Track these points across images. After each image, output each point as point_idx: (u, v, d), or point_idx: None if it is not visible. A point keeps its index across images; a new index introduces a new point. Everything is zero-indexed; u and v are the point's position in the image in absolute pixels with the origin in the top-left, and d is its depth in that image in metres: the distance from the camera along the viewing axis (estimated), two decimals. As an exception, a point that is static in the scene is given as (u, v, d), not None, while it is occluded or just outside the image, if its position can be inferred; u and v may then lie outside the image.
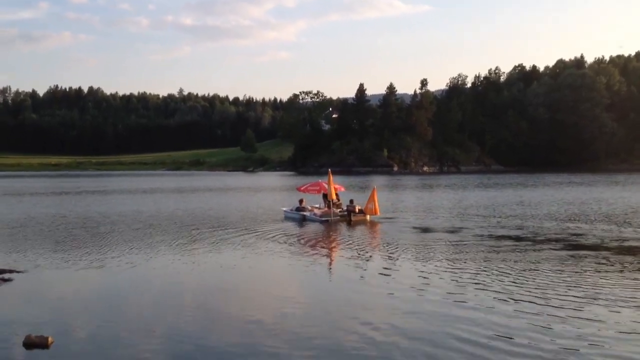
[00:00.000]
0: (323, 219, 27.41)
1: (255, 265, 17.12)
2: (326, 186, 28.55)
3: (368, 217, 27.62)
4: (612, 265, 15.99)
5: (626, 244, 20.04)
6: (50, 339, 9.70)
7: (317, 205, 29.58)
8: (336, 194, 29.01)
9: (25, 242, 21.76)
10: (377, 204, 27.54)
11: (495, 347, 9.34)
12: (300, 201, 29.64)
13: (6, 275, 15.16)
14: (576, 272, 15.15)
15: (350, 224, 26.76)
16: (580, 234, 22.35)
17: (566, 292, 12.90)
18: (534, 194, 47.52)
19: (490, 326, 10.41)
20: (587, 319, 10.83)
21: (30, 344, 9.60)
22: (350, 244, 21.07)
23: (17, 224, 27.94)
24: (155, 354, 9.31)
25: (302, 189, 31.31)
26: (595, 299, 12.28)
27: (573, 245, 19.77)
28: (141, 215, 31.94)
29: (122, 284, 14.81)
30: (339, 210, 28.31)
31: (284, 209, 30.88)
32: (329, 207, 27.85)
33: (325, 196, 28.98)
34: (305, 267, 16.87)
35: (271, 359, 9.07)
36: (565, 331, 10.10)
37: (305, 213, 28.42)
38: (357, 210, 27.92)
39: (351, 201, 28.74)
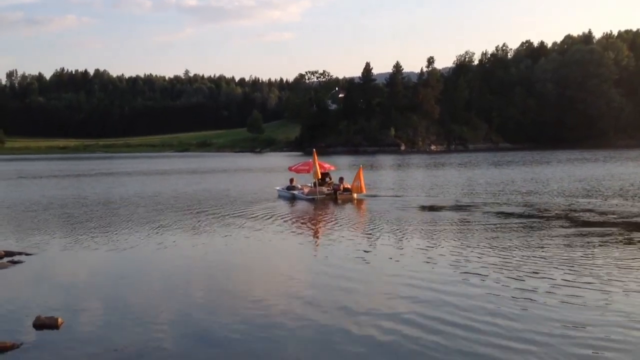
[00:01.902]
0: (309, 197, 28.27)
1: (255, 245, 17.16)
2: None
3: (355, 195, 28.11)
4: (620, 242, 15.98)
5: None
6: (60, 320, 9.79)
7: (309, 184, 30.19)
8: (326, 173, 30.19)
9: (37, 224, 21.89)
10: (363, 182, 28.13)
11: (492, 330, 9.38)
12: (291, 180, 30.67)
13: (17, 257, 15.29)
14: (588, 249, 15.15)
15: (336, 202, 27.44)
16: (603, 211, 22.29)
17: (573, 271, 12.90)
18: (549, 170, 47.35)
19: (491, 305, 10.46)
20: (584, 298, 10.84)
21: (41, 324, 9.69)
22: (342, 222, 21.17)
23: (32, 206, 28.09)
24: (164, 335, 9.39)
25: (293, 168, 32.12)
26: (599, 276, 12.28)
27: (596, 222, 19.71)
28: (158, 196, 32.28)
29: (132, 265, 14.92)
30: (326, 188, 29.03)
31: (277, 187, 31.80)
32: (315, 185, 28.68)
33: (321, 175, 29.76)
34: (305, 246, 16.99)
35: (277, 337, 9.14)
36: (566, 311, 10.13)
37: (294, 192, 29.42)
38: (342, 188, 28.65)
39: (340, 179, 29.68)
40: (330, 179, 30.17)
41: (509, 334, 8.94)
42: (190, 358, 8.51)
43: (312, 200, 27.83)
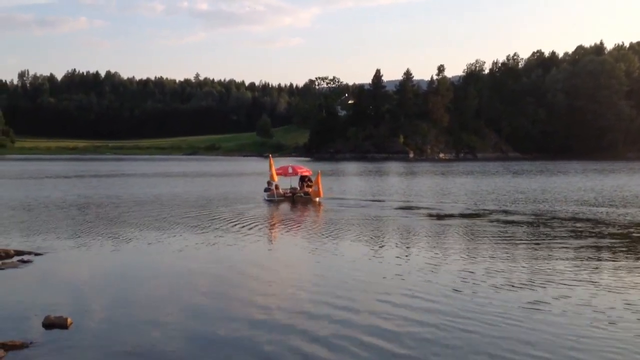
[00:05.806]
0: (269, 199, 30.68)
1: (260, 250, 17.18)
2: (290, 170, 32.22)
3: (317, 199, 29.85)
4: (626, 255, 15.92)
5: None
6: (69, 320, 9.82)
7: (292, 187, 32.15)
8: (305, 176, 32.32)
9: (54, 224, 21.91)
10: (320, 187, 30.03)
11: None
12: (268, 183, 32.31)
13: (27, 257, 15.37)
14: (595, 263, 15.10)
15: (293, 203, 29.78)
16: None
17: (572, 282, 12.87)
18: (571, 180, 47.16)
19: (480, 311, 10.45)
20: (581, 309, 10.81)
21: (50, 324, 9.73)
22: (343, 228, 21.21)
23: (43, 205, 28.18)
24: (172, 336, 9.42)
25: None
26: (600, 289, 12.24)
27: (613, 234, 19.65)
28: (182, 197, 32.91)
29: (140, 266, 14.95)
30: (282, 191, 31.22)
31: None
32: (275, 188, 30.92)
33: (301, 178, 32.34)
34: (307, 251, 16.96)
35: (285, 343, 9.15)
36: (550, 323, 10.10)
37: (265, 194, 31.73)
38: (299, 191, 31.20)
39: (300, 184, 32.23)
40: (311, 181, 31.88)
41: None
42: (197, 359, 8.57)
43: (270, 202, 29.97)
